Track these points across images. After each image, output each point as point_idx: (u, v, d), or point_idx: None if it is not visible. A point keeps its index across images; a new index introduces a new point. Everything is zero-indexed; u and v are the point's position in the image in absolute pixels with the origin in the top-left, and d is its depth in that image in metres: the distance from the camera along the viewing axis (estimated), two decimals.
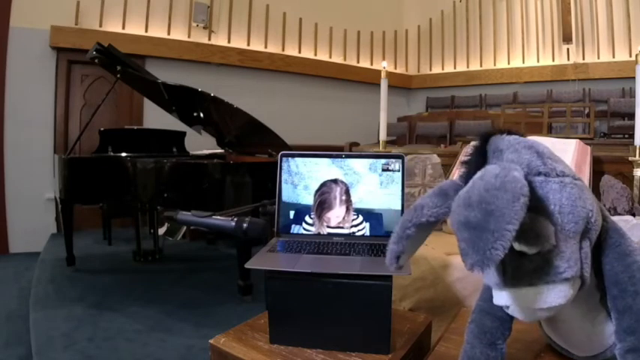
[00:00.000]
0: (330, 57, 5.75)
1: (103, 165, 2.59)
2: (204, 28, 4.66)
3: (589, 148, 1.70)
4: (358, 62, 6.06)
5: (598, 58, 5.10)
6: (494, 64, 5.91)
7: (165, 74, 3.16)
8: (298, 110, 5.32)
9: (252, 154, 2.93)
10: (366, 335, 0.81)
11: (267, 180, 2.08)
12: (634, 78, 1.82)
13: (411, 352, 0.85)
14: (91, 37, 3.59)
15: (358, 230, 0.95)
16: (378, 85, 2.47)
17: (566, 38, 5.23)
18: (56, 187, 2.70)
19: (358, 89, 5.88)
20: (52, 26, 3.75)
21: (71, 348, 1.76)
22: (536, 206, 0.52)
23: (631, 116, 3.77)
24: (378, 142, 2.51)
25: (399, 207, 0.93)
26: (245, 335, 0.90)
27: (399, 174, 0.95)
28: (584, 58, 5.19)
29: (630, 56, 4.73)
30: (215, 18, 4.78)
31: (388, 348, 0.81)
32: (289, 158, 0.99)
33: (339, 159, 0.97)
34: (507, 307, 0.56)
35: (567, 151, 1.60)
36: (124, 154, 2.84)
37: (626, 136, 3.98)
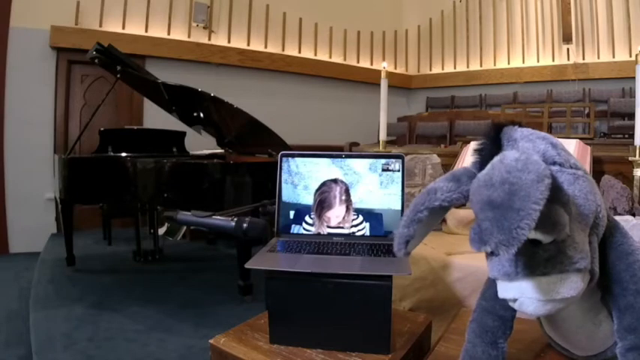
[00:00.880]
0: (330, 57, 5.75)
1: (103, 165, 2.59)
2: (204, 28, 4.66)
3: (589, 148, 1.70)
4: (358, 62, 6.06)
5: (598, 58, 5.10)
6: (494, 64, 5.91)
7: (165, 74, 3.16)
8: (298, 110, 5.32)
9: (252, 154, 2.93)
10: (366, 335, 0.81)
11: (267, 180, 2.08)
12: (634, 78, 1.83)
13: (411, 352, 0.85)
14: (91, 37, 3.59)
15: (358, 230, 0.95)
16: (378, 85, 2.47)
17: (566, 38, 5.24)
18: (56, 187, 2.69)
19: (358, 89, 5.88)
20: (52, 26, 3.75)
21: (71, 348, 1.76)
22: (552, 195, 0.52)
23: (631, 116, 3.77)
24: (378, 142, 2.51)
25: (399, 207, 0.93)
26: (245, 335, 0.90)
27: (399, 174, 0.95)
28: (584, 58, 5.19)
29: (630, 56, 4.73)
30: (215, 18, 4.78)
31: (388, 348, 0.81)
32: (289, 158, 0.99)
33: (339, 159, 0.97)
34: (515, 300, 0.54)
35: None
36: (124, 154, 2.84)
37: (626, 136, 3.98)
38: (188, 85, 2.56)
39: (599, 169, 1.81)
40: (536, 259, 0.51)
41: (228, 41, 4.88)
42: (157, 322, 2.03)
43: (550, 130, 3.71)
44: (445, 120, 4.98)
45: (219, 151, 3.25)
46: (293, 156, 0.99)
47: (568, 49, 5.26)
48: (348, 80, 5.82)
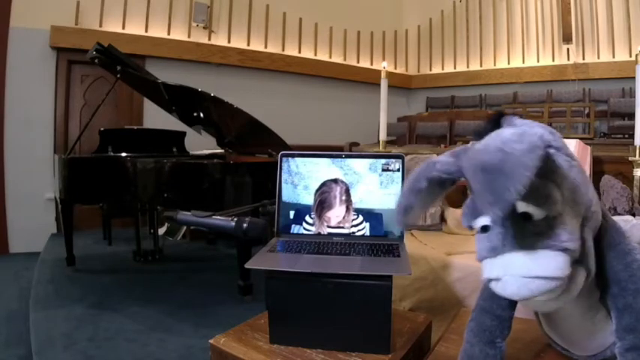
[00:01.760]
0: (330, 57, 5.75)
1: (103, 165, 2.59)
2: (204, 28, 4.66)
3: (589, 148, 1.71)
4: (358, 62, 6.06)
5: (598, 58, 5.10)
6: (494, 64, 5.91)
7: (165, 74, 3.16)
8: (298, 110, 5.32)
9: (252, 154, 2.93)
10: (366, 335, 0.81)
11: (267, 180, 2.08)
12: (634, 78, 1.83)
13: (411, 352, 0.85)
14: (91, 37, 3.59)
15: (358, 230, 0.95)
16: (378, 85, 2.47)
17: (566, 38, 5.23)
18: (56, 187, 2.69)
19: (358, 89, 5.88)
20: (52, 26, 3.75)
21: (71, 348, 1.76)
22: (546, 172, 0.52)
23: (631, 116, 3.77)
24: (378, 142, 2.51)
25: None
26: (245, 335, 0.90)
27: (399, 174, 0.95)
28: (584, 58, 5.19)
29: (630, 56, 4.73)
30: (215, 18, 4.78)
31: (388, 348, 0.81)
32: (289, 158, 0.99)
33: (339, 159, 0.97)
34: (498, 279, 0.53)
35: None
36: (124, 154, 2.84)
37: (626, 136, 3.98)
38: (188, 85, 2.56)
39: (599, 169, 1.81)
40: (525, 233, 0.52)
41: (228, 41, 4.88)
42: (157, 322, 2.03)
43: None
44: (445, 120, 4.98)
45: (219, 151, 3.25)
46: (293, 156, 0.99)
47: (568, 49, 5.26)
48: (348, 80, 5.82)
